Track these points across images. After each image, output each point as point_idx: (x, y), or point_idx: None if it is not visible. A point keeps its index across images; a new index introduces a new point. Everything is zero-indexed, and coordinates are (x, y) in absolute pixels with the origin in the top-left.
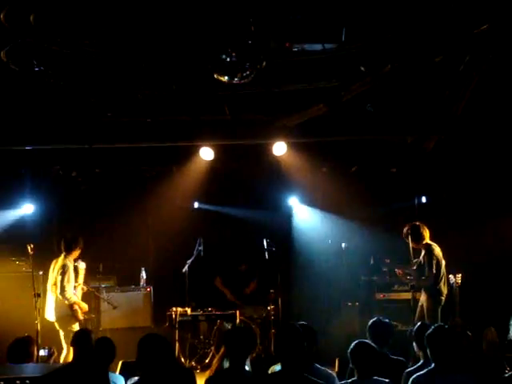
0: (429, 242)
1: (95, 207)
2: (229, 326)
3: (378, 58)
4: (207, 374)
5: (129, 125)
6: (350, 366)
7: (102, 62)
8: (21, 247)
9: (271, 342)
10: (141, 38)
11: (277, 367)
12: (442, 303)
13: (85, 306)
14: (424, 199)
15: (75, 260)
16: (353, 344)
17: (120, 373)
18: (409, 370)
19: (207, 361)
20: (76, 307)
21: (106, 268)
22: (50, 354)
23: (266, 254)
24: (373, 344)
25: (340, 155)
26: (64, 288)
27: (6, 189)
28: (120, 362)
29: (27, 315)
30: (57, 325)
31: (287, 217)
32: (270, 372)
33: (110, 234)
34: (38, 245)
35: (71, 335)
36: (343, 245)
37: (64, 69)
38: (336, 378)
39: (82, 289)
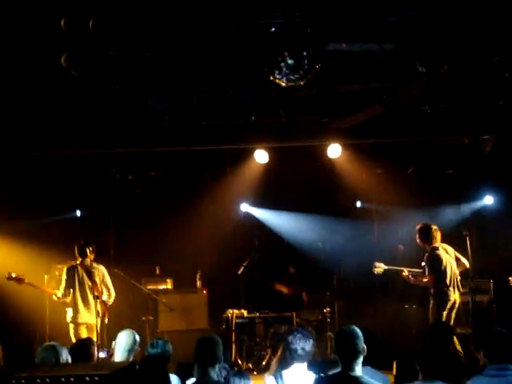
0: (436, 245)
1: (151, 211)
2: (285, 328)
3: (436, 58)
4: (265, 376)
5: (184, 128)
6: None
7: (158, 65)
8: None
9: (327, 345)
10: (197, 42)
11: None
12: (448, 307)
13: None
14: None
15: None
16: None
17: (176, 375)
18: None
19: (264, 363)
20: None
21: (162, 271)
22: (110, 355)
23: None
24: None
25: (396, 156)
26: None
27: (65, 194)
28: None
29: None
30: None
31: (342, 220)
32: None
33: (165, 237)
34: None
35: None
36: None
37: (122, 73)
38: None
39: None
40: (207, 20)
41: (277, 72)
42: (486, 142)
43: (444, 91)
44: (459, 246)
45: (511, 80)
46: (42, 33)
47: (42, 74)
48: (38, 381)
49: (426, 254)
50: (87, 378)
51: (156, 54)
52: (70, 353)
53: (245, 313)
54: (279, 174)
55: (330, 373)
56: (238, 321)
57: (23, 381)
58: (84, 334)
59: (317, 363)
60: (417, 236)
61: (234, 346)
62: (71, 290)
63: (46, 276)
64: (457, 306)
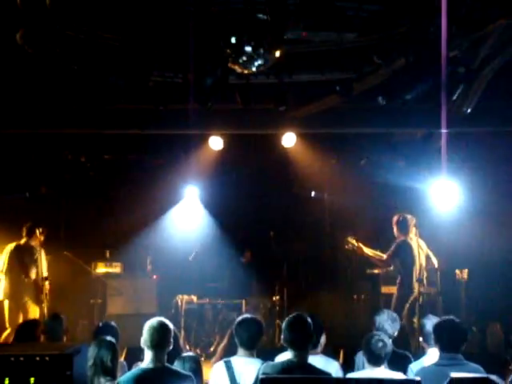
0: (408, 237)
1: (103, 194)
2: (234, 316)
3: (393, 50)
4: (211, 362)
5: (140, 112)
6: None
7: (115, 48)
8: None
9: (276, 333)
10: (154, 25)
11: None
12: (410, 299)
13: None
14: None
15: None
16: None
17: (125, 359)
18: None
19: (212, 349)
20: None
21: (113, 255)
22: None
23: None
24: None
25: (350, 147)
26: None
27: (16, 173)
28: (125, 348)
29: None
30: None
31: (291, 207)
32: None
33: (117, 220)
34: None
35: None
36: None
37: (78, 53)
38: (340, 368)
39: None
40: (168, 3)
41: (235, 58)
42: (437, 136)
43: (400, 84)
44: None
45: (465, 75)
46: None
47: None
48: None
49: (396, 243)
50: (37, 358)
51: (114, 36)
52: (16, 333)
53: (194, 299)
54: (233, 162)
55: (279, 360)
56: (187, 306)
57: None
58: None
59: (265, 350)
60: (394, 227)
61: (182, 332)
62: None
63: None
64: (421, 300)
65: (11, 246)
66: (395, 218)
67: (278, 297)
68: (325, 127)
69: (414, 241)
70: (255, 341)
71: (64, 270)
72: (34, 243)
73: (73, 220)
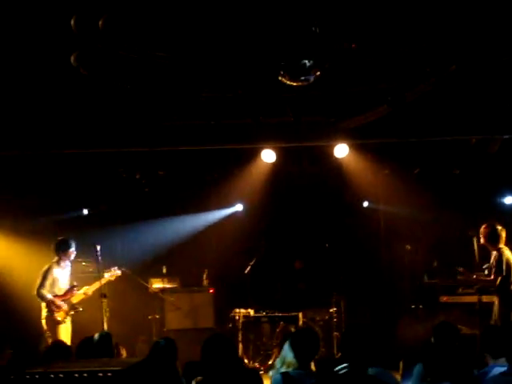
0: (502, 245)
1: (158, 210)
2: (292, 328)
3: (443, 57)
4: (270, 375)
5: (192, 128)
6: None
7: (167, 64)
8: (86, 249)
9: (334, 345)
10: (206, 41)
11: (339, 368)
12: None
13: (63, 307)
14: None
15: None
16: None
17: (183, 373)
18: (477, 373)
19: (270, 362)
20: (53, 307)
21: (169, 269)
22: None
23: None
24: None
25: (403, 157)
26: (38, 288)
27: (72, 191)
28: (184, 363)
29: (95, 316)
30: (43, 324)
31: (346, 218)
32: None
33: (173, 235)
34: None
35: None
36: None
37: (131, 72)
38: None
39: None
40: (217, 20)
41: (286, 71)
42: (493, 142)
43: (451, 91)
44: (466, 247)
45: None
46: (52, 32)
47: (51, 74)
48: (52, 376)
49: (495, 255)
50: (100, 374)
51: (165, 54)
52: (78, 349)
53: (251, 312)
54: (286, 174)
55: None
56: (244, 320)
57: (37, 376)
58: None
59: (324, 362)
60: (482, 237)
61: (240, 345)
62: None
63: None
64: None
65: None
66: (483, 229)
67: (334, 308)
68: (377, 137)
69: (506, 249)
70: (312, 353)
71: (121, 287)
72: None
73: (130, 236)
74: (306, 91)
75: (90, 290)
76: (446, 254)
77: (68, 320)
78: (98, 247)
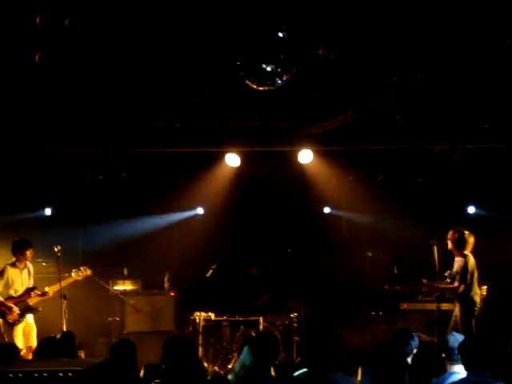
0: (468, 252)
1: (120, 211)
2: (252, 333)
3: (409, 66)
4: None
5: (157, 130)
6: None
7: (133, 66)
8: (47, 249)
9: (294, 350)
10: (172, 43)
11: (299, 372)
12: (476, 313)
13: (14, 309)
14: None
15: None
16: None
17: (143, 376)
18: (435, 380)
19: (230, 366)
20: (3, 308)
21: (130, 272)
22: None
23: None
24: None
25: (366, 164)
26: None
27: (33, 191)
28: (143, 366)
29: (54, 317)
30: None
31: (308, 224)
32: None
33: (134, 237)
34: (63, 247)
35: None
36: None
37: (96, 73)
38: None
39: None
40: (185, 22)
41: (252, 76)
42: (455, 152)
43: (415, 100)
44: (427, 255)
45: (484, 91)
46: (18, 29)
47: (15, 71)
48: (11, 375)
49: (460, 262)
50: (60, 374)
51: (131, 55)
52: (37, 350)
53: (212, 316)
54: (250, 179)
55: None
56: (204, 323)
57: None
58: None
59: (283, 367)
60: (450, 242)
61: (200, 349)
62: None
63: None
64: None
65: None
66: (452, 234)
67: (295, 314)
68: (341, 144)
69: (471, 256)
70: (272, 358)
71: (82, 288)
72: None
73: (90, 237)
74: (272, 96)
75: (50, 290)
76: (407, 261)
77: (23, 322)
78: (59, 247)
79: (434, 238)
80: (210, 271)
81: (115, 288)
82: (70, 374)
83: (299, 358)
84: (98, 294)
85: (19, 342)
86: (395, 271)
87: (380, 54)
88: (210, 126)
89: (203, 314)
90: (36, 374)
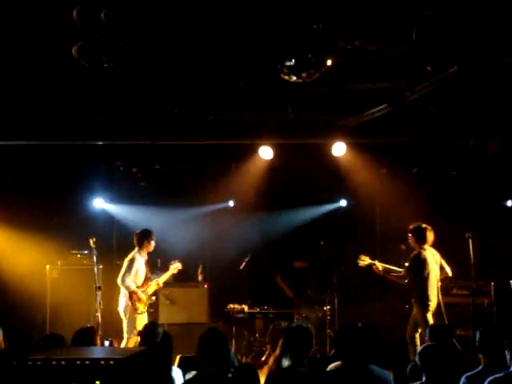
0: (425, 247)
1: (154, 204)
2: (285, 325)
3: (445, 58)
4: (263, 371)
5: (189, 122)
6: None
7: (169, 58)
8: (82, 241)
9: (327, 343)
10: (206, 35)
11: (332, 365)
12: (431, 309)
13: (143, 298)
14: None
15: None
16: (421, 347)
17: (178, 367)
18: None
19: (263, 358)
20: (134, 297)
21: (164, 263)
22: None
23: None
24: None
25: (400, 157)
26: (123, 277)
27: (70, 185)
28: (178, 357)
29: (88, 308)
30: (121, 314)
31: (342, 216)
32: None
33: (168, 230)
34: (98, 239)
35: (131, 325)
36: None
37: (132, 66)
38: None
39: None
40: (220, 14)
41: (287, 68)
42: (490, 144)
43: (452, 92)
44: (462, 248)
45: None
46: (54, 23)
47: (52, 65)
48: (54, 363)
49: (413, 254)
50: (102, 362)
51: (166, 47)
52: (73, 340)
53: (245, 308)
54: (283, 171)
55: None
56: (238, 316)
57: (39, 363)
58: None
59: (316, 360)
60: (409, 236)
61: (233, 341)
62: None
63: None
64: (442, 308)
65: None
66: (411, 227)
67: (328, 306)
68: (375, 136)
69: (429, 251)
70: (306, 351)
71: (116, 280)
72: None
73: (124, 231)
74: (306, 88)
75: (160, 281)
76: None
77: (145, 311)
78: (94, 240)
79: (470, 231)
80: (244, 263)
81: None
82: (111, 363)
83: (333, 351)
84: None
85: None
86: None
87: (416, 44)
88: (244, 118)
89: (237, 306)
90: (78, 362)
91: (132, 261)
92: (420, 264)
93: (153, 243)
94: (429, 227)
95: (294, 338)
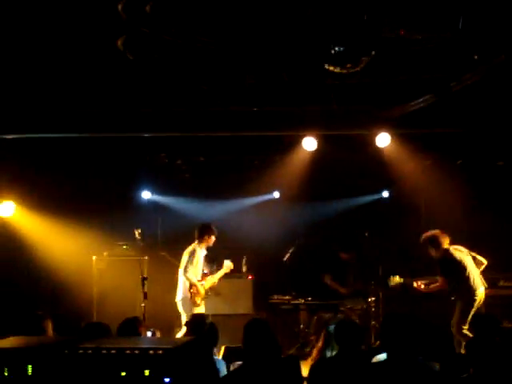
0: (447, 247)
1: (197, 196)
2: (329, 316)
3: (492, 47)
4: (308, 362)
5: (233, 114)
6: None
7: (211, 50)
8: (128, 232)
9: (371, 335)
10: (250, 27)
11: (378, 357)
12: (476, 304)
13: (201, 291)
14: None
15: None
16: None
17: (223, 358)
18: None
19: (308, 350)
20: (194, 289)
21: (208, 255)
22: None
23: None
24: None
25: (445, 148)
26: (186, 268)
27: (117, 177)
28: (223, 347)
29: (133, 298)
30: (179, 306)
31: (386, 207)
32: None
33: (212, 222)
34: (144, 230)
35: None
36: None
37: (176, 58)
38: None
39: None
40: (264, 6)
41: (331, 59)
42: None
43: (498, 82)
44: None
45: None
46: (100, 16)
47: (97, 58)
48: (104, 352)
49: (439, 258)
50: (151, 352)
51: (210, 39)
52: (119, 330)
53: (289, 299)
54: (326, 163)
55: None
56: (282, 307)
57: (90, 351)
58: None
59: (361, 352)
60: (427, 247)
61: (278, 332)
62: None
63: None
64: (481, 302)
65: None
66: (423, 240)
67: (373, 298)
68: (419, 127)
69: (452, 249)
70: (356, 345)
71: (161, 271)
72: None
73: (168, 222)
74: (350, 79)
75: (216, 277)
76: (487, 247)
77: (203, 304)
78: (139, 231)
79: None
80: (288, 255)
81: None
82: (160, 352)
83: (377, 343)
84: (177, 277)
85: None
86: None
87: (462, 33)
88: (288, 109)
89: (281, 297)
90: (128, 351)
91: (192, 253)
92: (449, 264)
93: (213, 238)
94: (439, 231)
95: (344, 334)
